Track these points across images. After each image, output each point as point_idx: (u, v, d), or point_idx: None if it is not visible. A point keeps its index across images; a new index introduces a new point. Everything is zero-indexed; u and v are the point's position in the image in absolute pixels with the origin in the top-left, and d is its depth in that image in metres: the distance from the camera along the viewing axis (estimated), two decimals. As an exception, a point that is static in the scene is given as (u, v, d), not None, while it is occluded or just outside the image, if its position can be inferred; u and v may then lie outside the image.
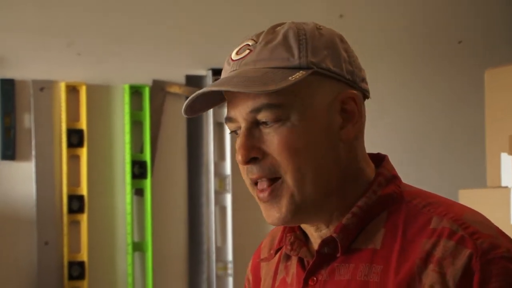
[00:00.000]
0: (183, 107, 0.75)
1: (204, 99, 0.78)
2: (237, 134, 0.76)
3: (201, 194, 2.27)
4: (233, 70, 0.76)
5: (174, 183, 2.28)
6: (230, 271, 2.17)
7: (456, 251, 0.69)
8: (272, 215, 0.75)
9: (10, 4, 2.19)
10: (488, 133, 2.24)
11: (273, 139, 0.75)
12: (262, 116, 0.74)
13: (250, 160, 0.74)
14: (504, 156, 2.09)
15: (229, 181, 2.26)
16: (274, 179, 0.74)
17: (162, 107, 2.26)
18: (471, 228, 0.70)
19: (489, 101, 2.30)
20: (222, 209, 2.21)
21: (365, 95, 0.78)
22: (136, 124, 2.23)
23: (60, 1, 2.27)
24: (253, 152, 0.74)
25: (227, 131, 1.97)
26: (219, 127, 2.26)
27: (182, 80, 2.32)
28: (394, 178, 0.79)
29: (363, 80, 0.79)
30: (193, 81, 2.30)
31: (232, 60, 0.78)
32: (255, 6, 2.55)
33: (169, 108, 2.28)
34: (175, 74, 2.32)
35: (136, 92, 2.24)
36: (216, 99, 0.79)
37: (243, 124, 0.76)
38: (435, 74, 2.68)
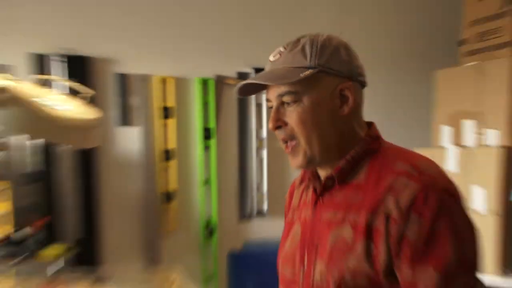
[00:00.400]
0: (235, 91, 1.03)
1: (249, 86, 1.02)
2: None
3: (247, 150, 2.95)
4: (269, 68, 1.00)
5: (230, 142, 2.94)
6: (265, 197, 2.94)
7: (408, 184, 0.91)
8: (294, 163, 1.02)
9: (128, 17, 2.74)
10: (435, 113, 2.74)
11: (291, 115, 0.97)
12: (285, 99, 0.96)
13: (276, 127, 0.99)
14: (443, 127, 2.69)
15: (265, 142, 2.94)
16: (293, 141, 0.99)
17: (221, 93, 2.88)
18: (421, 171, 0.92)
19: (438, 97, 2.74)
20: (260, 160, 2.94)
21: (362, 84, 1.00)
22: (205, 104, 2.84)
23: (159, 16, 2.80)
24: (278, 122, 0.98)
25: (265, 109, 2.84)
26: (258, 107, 2.93)
27: (235, 75, 2.92)
28: (377, 137, 1.03)
29: (360, 74, 0.99)
30: (242, 76, 2.90)
31: (270, 61, 1.01)
32: (288, 19, 3.01)
33: (226, 94, 2.90)
34: (230, 70, 2.91)
35: (204, 82, 2.83)
36: (259, 86, 1.02)
37: (274, 104, 0.99)
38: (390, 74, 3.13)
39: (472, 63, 2.53)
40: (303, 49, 0.98)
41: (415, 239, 0.93)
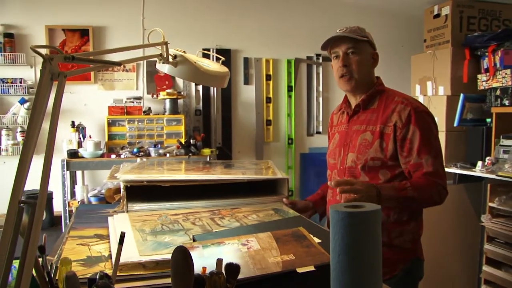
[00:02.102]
0: (322, 44, 1.63)
1: (328, 42, 1.59)
2: (337, 58, 1.63)
3: (311, 97, 4.57)
4: (342, 34, 1.57)
5: (301, 93, 4.55)
6: (320, 123, 4.52)
7: (405, 108, 1.53)
8: (347, 86, 1.63)
9: (247, 25, 4.29)
10: (412, 78, 3.90)
11: (353, 60, 1.60)
12: (350, 51, 1.59)
13: (344, 65, 1.58)
14: (416, 85, 3.85)
15: (320, 93, 4.56)
16: (350, 74, 1.60)
17: (298, 67, 4.54)
18: (410, 101, 1.56)
19: (413, 69, 3.92)
20: (318, 103, 4.57)
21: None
22: (289, 73, 4.46)
23: (264, 23, 4.29)
24: (346, 62, 1.60)
25: (321, 76, 4.73)
26: (317, 75, 4.58)
27: (305, 57, 4.56)
28: (382, 84, 1.65)
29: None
30: (309, 59, 4.54)
31: (337, 32, 1.61)
32: (341, 17, 4.36)
33: (300, 68, 4.56)
34: (302, 54, 4.53)
35: (289, 61, 4.46)
36: (330, 43, 1.60)
37: (341, 54, 1.60)
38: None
39: (430, 51, 3.76)
40: (359, 29, 1.60)
41: (414, 139, 1.50)
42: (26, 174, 0.81)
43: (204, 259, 1.01)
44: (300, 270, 0.93)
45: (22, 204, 0.83)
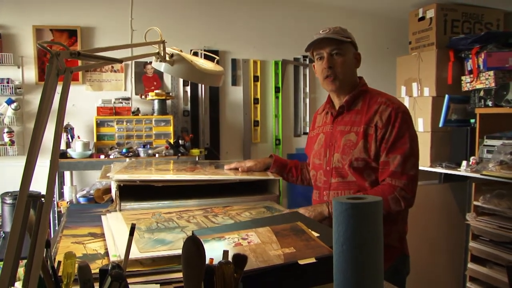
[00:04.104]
0: (307, 46, 1.69)
1: (312, 44, 1.65)
2: (321, 59, 1.69)
3: (298, 99, 4.59)
4: (324, 35, 1.62)
5: (288, 94, 4.57)
6: (307, 124, 4.57)
7: (386, 109, 1.61)
8: (331, 87, 1.70)
9: (235, 27, 4.33)
10: (397, 79, 4.03)
11: (338, 61, 1.67)
12: (334, 52, 1.66)
13: (329, 67, 1.65)
14: (402, 86, 3.94)
15: (307, 94, 4.61)
16: (334, 75, 1.66)
17: (285, 68, 4.51)
18: (392, 101, 1.65)
19: (398, 71, 3.99)
20: (305, 104, 4.62)
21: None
22: (276, 74, 4.46)
23: (250, 26, 4.38)
24: (330, 64, 1.66)
25: (308, 77, 4.78)
26: (304, 77, 4.59)
27: (292, 59, 4.54)
28: (365, 85, 1.74)
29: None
30: (295, 60, 4.51)
31: (320, 32, 1.66)
32: (328, 19, 4.31)
33: (287, 69, 4.55)
34: (289, 56, 4.53)
35: (276, 64, 4.43)
36: (313, 44, 1.64)
37: (325, 55, 1.66)
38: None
39: (415, 53, 3.85)
40: (342, 30, 1.65)
41: (389, 138, 1.54)
42: (33, 167, 0.82)
43: (206, 254, 1.02)
44: (302, 262, 0.96)
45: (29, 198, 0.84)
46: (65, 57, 0.90)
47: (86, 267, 0.66)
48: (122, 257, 1.05)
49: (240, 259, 0.76)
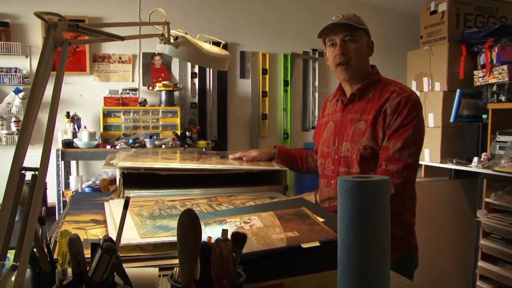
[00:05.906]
0: (319, 31, 1.65)
1: (324, 30, 1.61)
2: (333, 46, 1.64)
3: (307, 92, 4.56)
4: (338, 21, 1.57)
5: (297, 88, 4.54)
6: (316, 117, 4.54)
7: (396, 97, 1.57)
8: (344, 75, 1.65)
9: (245, 19, 4.33)
10: (408, 74, 3.96)
11: (351, 48, 1.62)
12: (347, 39, 1.61)
13: (342, 53, 1.60)
14: (412, 81, 3.87)
15: (316, 88, 4.55)
16: (347, 63, 1.62)
17: (294, 62, 4.48)
18: (404, 90, 1.60)
19: (410, 65, 3.98)
20: (314, 98, 4.60)
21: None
22: (285, 67, 4.43)
23: (260, 18, 4.37)
24: (344, 50, 1.62)
25: (317, 70, 4.74)
26: (313, 70, 4.62)
27: (301, 52, 4.51)
28: (378, 73, 1.68)
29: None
30: (304, 53, 4.48)
31: (333, 19, 1.60)
32: (338, 11, 4.52)
33: (296, 62, 4.51)
34: (299, 49, 4.50)
35: (285, 57, 4.39)
36: (325, 30, 1.60)
37: (338, 42, 1.61)
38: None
39: (426, 47, 3.80)
40: (355, 17, 1.61)
41: (394, 124, 1.52)
42: (28, 139, 0.79)
43: (206, 236, 0.99)
44: (305, 245, 0.92)
45: (23, 171, 0.81)
46: (63, 28, 0.87)
47: (76, 239, 0.63)
48: (123, 242, 1.03)
49: (240, 238, 0.73)
